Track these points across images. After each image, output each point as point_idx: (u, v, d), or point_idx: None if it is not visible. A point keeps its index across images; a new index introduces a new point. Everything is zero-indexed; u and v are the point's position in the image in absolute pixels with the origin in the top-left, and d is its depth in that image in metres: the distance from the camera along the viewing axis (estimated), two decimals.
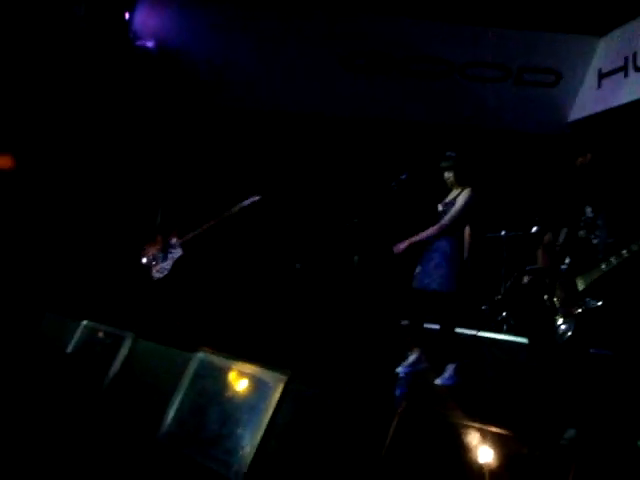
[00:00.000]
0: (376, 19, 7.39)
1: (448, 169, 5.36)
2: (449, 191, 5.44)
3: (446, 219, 5.22)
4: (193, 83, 7.58)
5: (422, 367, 5.31)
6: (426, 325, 5.61)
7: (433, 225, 5.29)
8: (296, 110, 7.89)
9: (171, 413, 3.95)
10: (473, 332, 6.70)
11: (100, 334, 4.91)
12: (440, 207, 5.41)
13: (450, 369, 5.15)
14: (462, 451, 2.93)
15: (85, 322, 5.14)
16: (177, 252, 5.78)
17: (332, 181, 7.98)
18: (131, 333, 4.55)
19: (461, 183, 5.33)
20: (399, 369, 5.28)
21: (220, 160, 7.33)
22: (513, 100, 7.92)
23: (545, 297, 4.03)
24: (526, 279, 7.12)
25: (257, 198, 5.71)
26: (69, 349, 5.05)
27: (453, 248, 5.22)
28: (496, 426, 3.03)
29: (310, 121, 8.00)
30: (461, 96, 7.91)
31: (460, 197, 5.27)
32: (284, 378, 3.64)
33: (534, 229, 7.71)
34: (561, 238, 4.05)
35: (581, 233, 3.84)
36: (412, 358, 5.37)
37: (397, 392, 4.93)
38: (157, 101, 7.47)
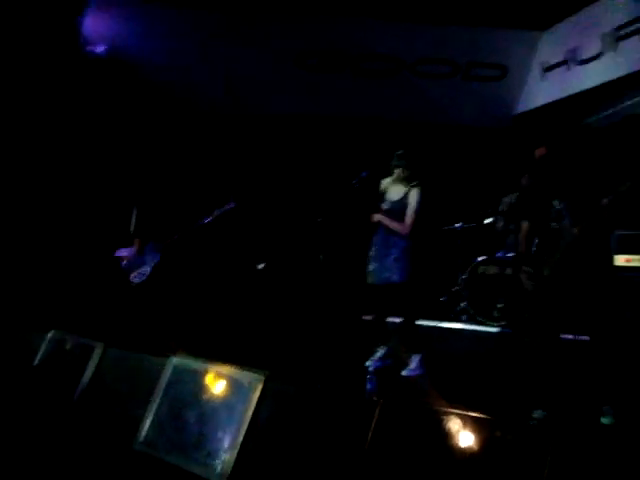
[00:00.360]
0: (327, 19, 7.49)
1: (398, 167, 5.49)
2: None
3: (409, 220, 5.34)
4: (147, 87, 7.53)
5: (390, 361, 5.44)
6: (389, 319, 5.73)
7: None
8: (254, 111, 7.92)
9: (148, 420, 3.93)
10: (434, 323, 6.90)
11: (68, 345, 4.82)
12: (386, 205, 5.52)
13: (415, 360, 5.28)
14: (444, 437, 3.02)
15: (52, 333, 5.03)
16: (156, 257, 5.73)
17: (294, 181, 8.06)
18: (101, 343, 4.49)
19: (410, 181, 5.45)
20: (368, 363, 5.39)
21: (187, 163, 7.31)
22: (462, 95, 8.11)
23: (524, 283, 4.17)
24: (484, 269, 7.33)
25: (233, 205, 5.74)
26: (36, 362, 4.94)
27: (409, 243, 5.40)
28: (473, 411, 3.14)
29: (269, 122, 8.04)
30: (412, 93, 8.08)
31: (411, 196, 5.39)
32: (262, 378, 3.68)
33: (487, 220, 7.97)
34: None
35: (553, 224, 3.99)
36: (380, 353, 5.49)
37: (368, 387, 5.00)
38: (112, 105, 7.40)
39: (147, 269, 5.69)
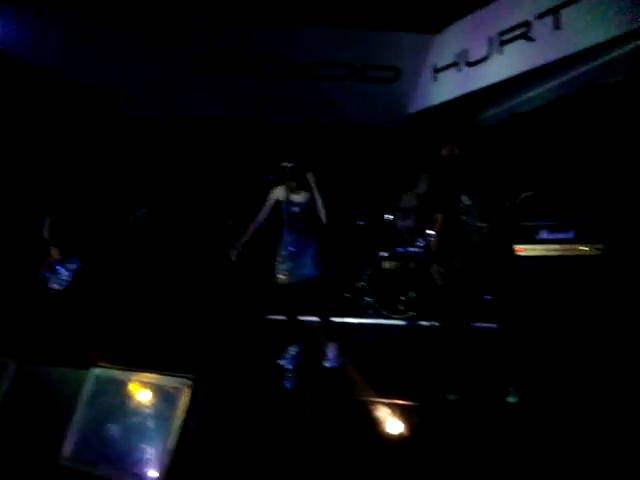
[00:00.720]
0: (223, 23, 7.47)
1: (288, 178, 5.63)
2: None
3: (325, 219, 5.53)
4: (46, 90, 7.25)
5: (303, 358, 5.55)
6: (301, 318, 5.84)
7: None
8: (157, 116, 7.80)
9: (72, 435, 3.81)
10: (341, 319, 7.05)
11: None
12: (296, 208, 5.64)
13: (332, 352, 5.43)
14: (373, 426, 3.15)
15: None
16: (75, 262, 5.52)
17: (202, 184, 8.01)
18: (13, 360, 4.27)
19: (303, 187, 5.61)
20: (282, 362, 5.47)
21: (98, 167, 7.05)
22: (359, 96, 8.31)
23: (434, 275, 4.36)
24: (387, 264, 7.58)
25: (144, 210, 5.66)
26: None
27: (320, 242, 5.69)
28: (397, 399, 3.29)
29: (175, 126, 7.95)
30: (310, 95, 8.19)
31: (315, 197, 5.57)
32: (188, 383, 3.66)
33: (386, 217, 8.25)
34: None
35: (464, 218, 4.21)
36: (292, 350, 5.58)
37: (287, 385, 5.08)
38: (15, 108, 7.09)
39: (68, 276, 5.48)
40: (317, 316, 5.63)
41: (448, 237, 4.31)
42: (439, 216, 4.44)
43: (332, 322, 5.67)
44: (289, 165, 5.57)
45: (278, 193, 5.69)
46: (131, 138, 7.82)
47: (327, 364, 5.43)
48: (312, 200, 5.57)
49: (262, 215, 5.71)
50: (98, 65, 7.35)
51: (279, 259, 5.63)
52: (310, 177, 5.55)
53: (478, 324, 4.48)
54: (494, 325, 4.40)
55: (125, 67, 7.54)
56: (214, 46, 7.73)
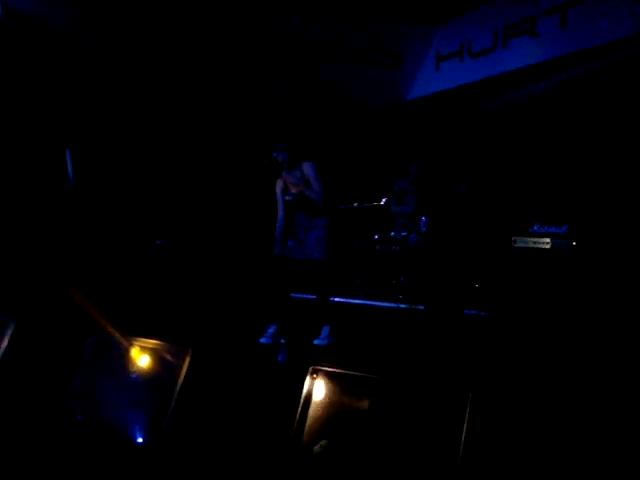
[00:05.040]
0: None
1: (282, 157, 5.70)
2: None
3: (320, 193, 5.58)
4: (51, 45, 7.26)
5: (281, 339, 5.65)
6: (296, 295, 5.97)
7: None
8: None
9: (70, 397, 3.92)
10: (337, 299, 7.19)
11: None
12: (289, 197, 5.71)
13: (325, 330, 5.57)
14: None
15: None
16: None
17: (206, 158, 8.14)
18: (14, 319, 4.36)
19: (295, 164, 5.66)
20: (262, 340, 5.58)
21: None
22: (360, 79, 8.37)
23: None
24: (378, 247, 7.71)
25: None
26: None
27: (329, 222, 5.69)
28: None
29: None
30: (312, 75, 8.24)
31: (306, 172, 5.58)
32: (187, 351, 3.79)
33: (383, 200, 8.36)
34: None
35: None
36: (272, 329, 5.69)
37: (279, 358, 5.21)
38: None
39: None
40: (318, 297, 5.73)
41: (443, 223, 4.45)
42: (437, 203, 4.55)
43: (329, 302, 5.77)
44: (281, 146, 5.56)
45: (278, 184, 5.80)
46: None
47: (319, 342, 5.54)
48: (303, 175, 5.56)
49: (280, 211, 5.82)
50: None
51: (286, 237, 5.75)
52: (307, 168, 5.61)
53: (467, 311, 4.63)
54: (484, 312, 4.54)
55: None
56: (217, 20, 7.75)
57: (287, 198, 5.72)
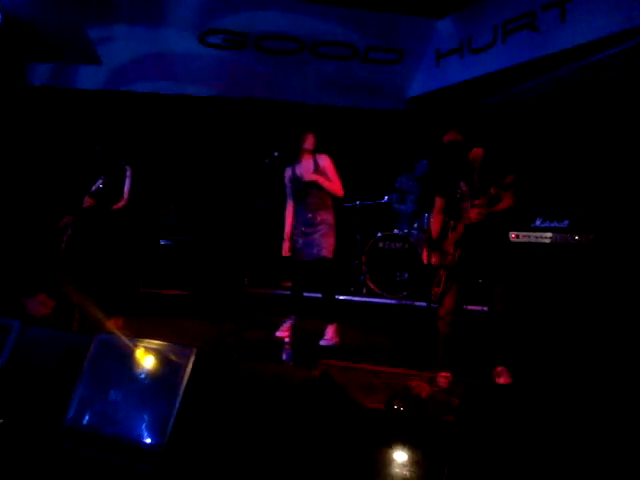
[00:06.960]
0: None
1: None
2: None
3: (336, 180, 5.64)
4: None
5: (296, 331, 5.67)
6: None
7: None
8: (158, 91, 7.86)
9: (76, 397, 3.92)
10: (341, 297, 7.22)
11: None
12: (300, 185, 5.74)
13: (330, 331, 5.56)
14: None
15: None
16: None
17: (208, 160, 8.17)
18: (18, 321, 4.37)
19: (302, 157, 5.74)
20: (277, 334, 5.63)
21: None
22: (360, 77, 8.35)
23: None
24: (382, 244, 7.73)
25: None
26: None
27: (334, 220, 5.73)
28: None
29: (173, 102, 8.02)
30: (311, 74, 8.21)
31: (322, 164, 5.64)
32: (193, 351, 3.80)
33: (387, 198, 8.40)
34: None
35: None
36: (287, 323, 5.72)
37: (284, 356, 5.22)
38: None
39: None
40: (324, 295, 5.74)
41: (445, 220, 4.44)
42: (438, 200, 4.55)
43: (335, 302, 5.77)
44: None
45: (287, 172, 5.82)
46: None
47: (323, 343, 5.55)
48: (319, 167, 5.63)
49: (290, 201, 5.86)
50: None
51: (294, 237, 5.79)
52: (323, 160, 5.65)
53: (469, 307, 4.63)
54: (485, 308, 4.53)
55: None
56: (216, 21, 7.74)
57: (296, 187, 5.75)
